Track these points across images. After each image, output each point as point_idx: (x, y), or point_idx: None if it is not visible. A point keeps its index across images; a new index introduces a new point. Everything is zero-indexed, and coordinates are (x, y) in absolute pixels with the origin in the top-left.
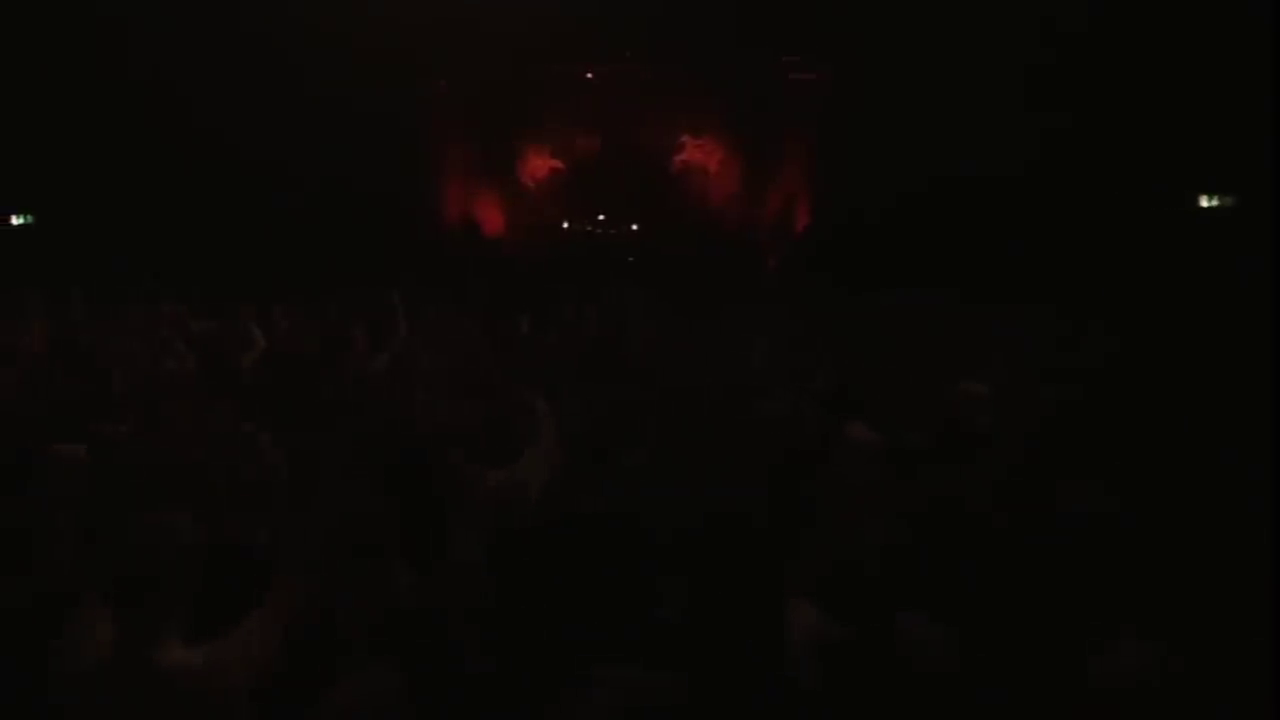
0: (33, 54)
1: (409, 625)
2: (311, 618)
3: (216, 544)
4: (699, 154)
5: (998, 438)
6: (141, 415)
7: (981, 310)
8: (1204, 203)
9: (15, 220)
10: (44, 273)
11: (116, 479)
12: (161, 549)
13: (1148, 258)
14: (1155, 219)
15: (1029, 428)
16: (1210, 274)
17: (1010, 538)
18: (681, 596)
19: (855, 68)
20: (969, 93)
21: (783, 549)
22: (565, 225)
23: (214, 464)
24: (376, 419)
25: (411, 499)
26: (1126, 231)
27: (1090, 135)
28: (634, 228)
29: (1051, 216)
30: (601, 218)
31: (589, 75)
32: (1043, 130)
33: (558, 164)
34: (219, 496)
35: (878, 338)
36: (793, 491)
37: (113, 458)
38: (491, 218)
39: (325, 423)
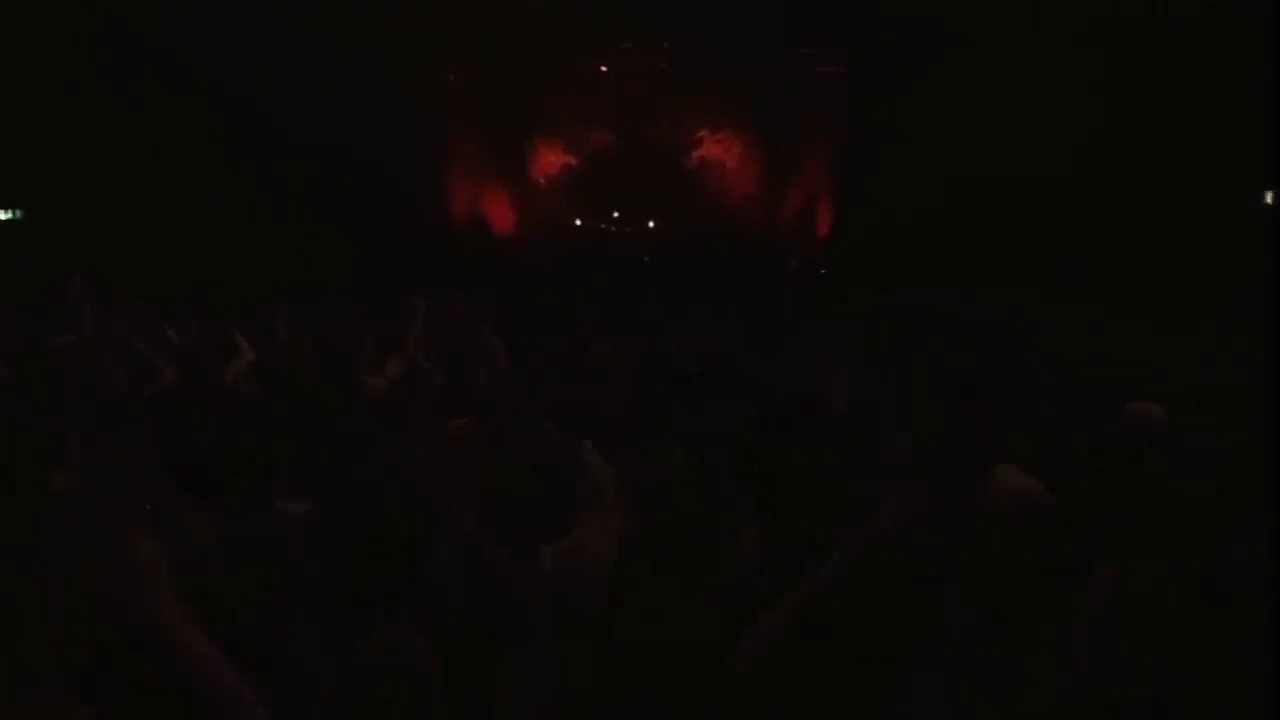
0: (20, 45)
1: None
2: None
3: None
4: (717, 149)
5: (1199, 484)
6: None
7: (1054, 317)
8: (1269, 199)
9: (2, 215)
10: (27, 271)
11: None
12: None
13: (1207, 258)
14: (1211, 217)
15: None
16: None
17: None
18: None
19: (880, 59)
20: (1005, 83)
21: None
22: (578, 223)
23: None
24: (381, 474)
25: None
26: (1178, 231)
27: (1136, 129)
28: (650, 225)
29: (1095, 215)
30: (616, 215)
31: (603, 67)
32: (1084, 123)
33: (570, 159)
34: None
35: (965, 354)
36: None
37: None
38: (501, 215)
39: (317, 484)
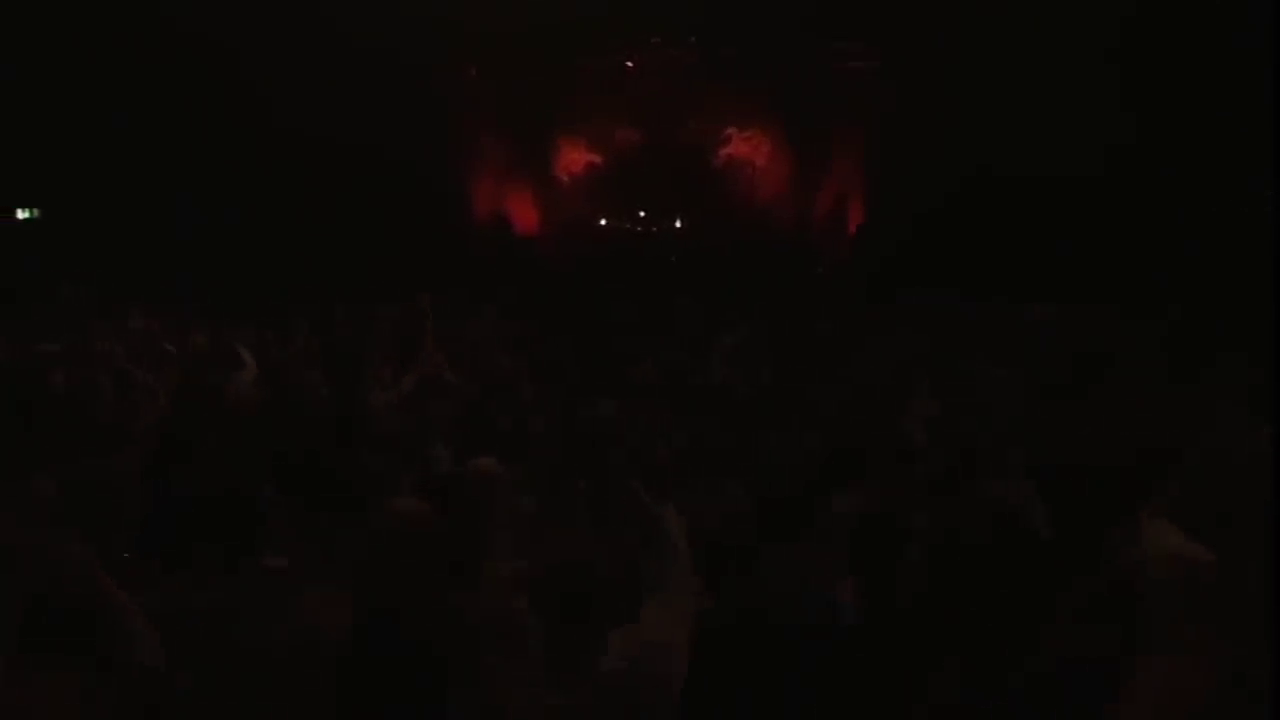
0: (40, 43)
1: None
2: None
3: None
4: (746, 147)
5: None
6: None
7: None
8: None
9: (21, 214)
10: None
11: None
12: None
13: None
14: (1256, 221)
15: None
16: None
17: None
18: None
19: (911, 54)
20: (1038, 79)
21: None
22: (603, 222)
23: None
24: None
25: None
26: (1223, 232)
27: (1173, 129)
28: (677, 225)
29: (1131, 217)
30: (642, 215)
31: (629, 63)
32: (1121, 120)
33: (595, 157)
34: None
35: (1053, 369)
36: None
37: None
38: (524, 214)
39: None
